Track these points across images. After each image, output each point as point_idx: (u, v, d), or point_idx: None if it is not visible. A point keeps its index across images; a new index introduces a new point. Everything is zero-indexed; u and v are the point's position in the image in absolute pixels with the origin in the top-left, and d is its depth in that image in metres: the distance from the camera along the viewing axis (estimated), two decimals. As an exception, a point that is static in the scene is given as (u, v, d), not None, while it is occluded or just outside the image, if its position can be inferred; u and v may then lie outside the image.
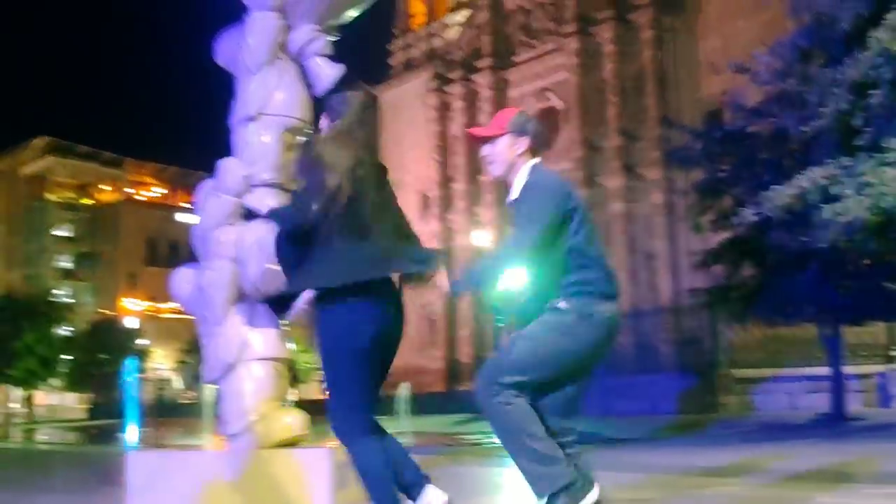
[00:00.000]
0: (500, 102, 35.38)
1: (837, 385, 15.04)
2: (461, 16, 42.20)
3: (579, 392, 3.50)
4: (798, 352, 19.24)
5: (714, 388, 19.70)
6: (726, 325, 19.98)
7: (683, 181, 19.49)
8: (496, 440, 3.39)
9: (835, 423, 14.10)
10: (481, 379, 3.34)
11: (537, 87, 37.11)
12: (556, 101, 36.36)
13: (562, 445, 3.38)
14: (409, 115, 42.83)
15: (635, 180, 32.96)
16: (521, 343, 3.39)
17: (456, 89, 40.08)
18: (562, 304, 3.37)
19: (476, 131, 3.68)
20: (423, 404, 22.40)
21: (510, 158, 3.53)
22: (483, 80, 38.70)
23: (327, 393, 3.37)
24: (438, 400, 28.07)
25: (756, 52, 14.29)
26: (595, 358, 3.47)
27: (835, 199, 11.45)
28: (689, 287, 21.27)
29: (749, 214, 12.86)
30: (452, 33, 42.49)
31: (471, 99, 38.69)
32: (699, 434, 13.68)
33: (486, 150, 3.57)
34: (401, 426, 17.18)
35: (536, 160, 3.55)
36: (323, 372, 3.36)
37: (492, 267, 3.48)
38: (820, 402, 15.82)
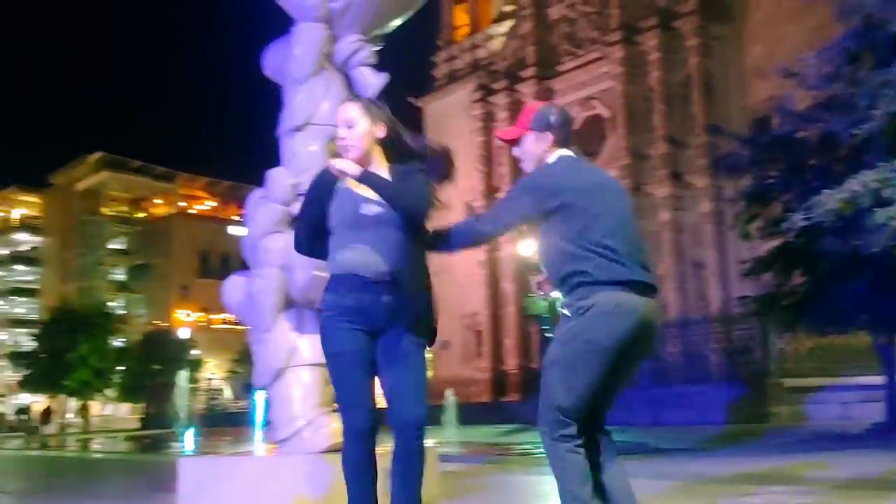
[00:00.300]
0: (545, 112, 35.22)
1: (892, 394, 14.73)
2: (505, 26, 42.19)
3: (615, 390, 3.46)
4: (851, 360, 18.88)
5: (765, 397, 19.40)
6: (777, 333, 19.69)
7: (731, 189, 19.26)
8: (544, 450, 3.41)
9: (889, 433, 13.81)
10: (539, 423, 3.35)
11: (582, 96, 36.92)
12: (601, 110, 36.17)
13: (596, 443, 3.41)
14: (453, 127, 42.87)
15: (683, 188, 32.63)
16: (547, 374, 3.37)
17: (500, 100, 40.07)
18: (563, 310, 3.35)
19: (502, 134, 3.76)
20: (470, 414, 22.42)
21: (538, 155, 3.57)
22: (528, 90, 38.60)
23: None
24: (485, 410, 28.00)
25: (804, 55, 14.14)
26: (617, 353, 3.26)
27: (887, 202, 11.24)
28: (739, 296, 20.95)
29: (799, 220, 12.67)
30: (496, 44, 42.50)
31: (515, 109, 38.56)
32: (749, 444, 13.50)
33: (515, 150, 3.65)
34: (448, 435, 17.26)
35: (562, 152, 3.56)
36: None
37: (455, 233, 3.58)
38: (874, 412, 15.50)
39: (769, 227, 14.97)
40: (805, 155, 14.28)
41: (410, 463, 3.40)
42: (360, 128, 3.48)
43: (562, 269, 3.36)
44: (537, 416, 3.37)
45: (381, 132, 3.52)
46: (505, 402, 33.14)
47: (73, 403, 49.66)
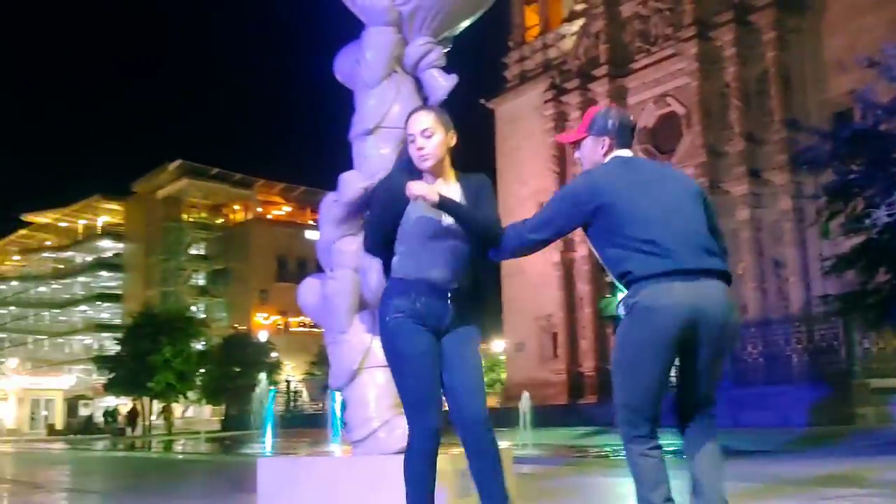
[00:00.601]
0: (618, 111, 34.73)
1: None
2: (576, 25, 41.80)
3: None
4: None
5: (849, 398, 18.88)
6: (861, 333, 19.16)
7: (811, 185, 18.79)
8: (622, 453, 3.42)
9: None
10: (618, 426, 3.39)
11: (657, 94, 36.38)
12: (676, 107, 35.59)
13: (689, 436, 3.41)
14: (525, 127, 42.75)
15: (761, 186, 31.89)
16: (612, 376, 3.40)
17: (573, 99, 39.70)
18: (619, 311, 3.34)
19: (562, 138, 3.81)
20: (546, 417, 22.31)
21: (596, 159, 3.59)
22: (600, 89, 38.20)
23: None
24: (561, 413, 27.84)
25: (885, 45, 13.75)
26: (667, 347, 3.21)
27: (976, 197, 10.89)
28: (820, 294, 20.42)
29: (882, 216, 12.35)
30: (568, 43, 42.15)
31: (588, 108, 38.19)
32: (832, 446, 13.14)
33: (577, 154, 3.68)
34: (524, 438, 17.21)
35: (618, 153, 3.56)
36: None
37: (505, 241, 3.54)
38: (966, 413, 15.00)
39: (851, 223, 14.58)
40: (889, 148, 13.87)
41: (487, 460, 3.45)
42: (437, 137, 3.53)
43: (614, 270, 3.39)
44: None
45: (453, 141, 3.59)
46: (581, 404, 32.90)
47: (156, 406, 50.79)
